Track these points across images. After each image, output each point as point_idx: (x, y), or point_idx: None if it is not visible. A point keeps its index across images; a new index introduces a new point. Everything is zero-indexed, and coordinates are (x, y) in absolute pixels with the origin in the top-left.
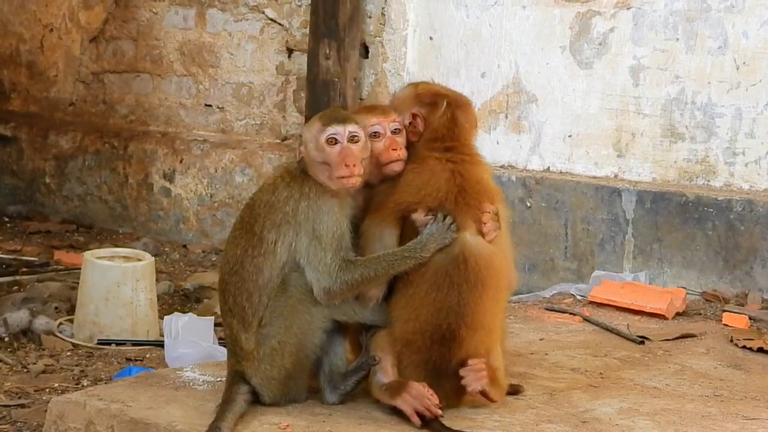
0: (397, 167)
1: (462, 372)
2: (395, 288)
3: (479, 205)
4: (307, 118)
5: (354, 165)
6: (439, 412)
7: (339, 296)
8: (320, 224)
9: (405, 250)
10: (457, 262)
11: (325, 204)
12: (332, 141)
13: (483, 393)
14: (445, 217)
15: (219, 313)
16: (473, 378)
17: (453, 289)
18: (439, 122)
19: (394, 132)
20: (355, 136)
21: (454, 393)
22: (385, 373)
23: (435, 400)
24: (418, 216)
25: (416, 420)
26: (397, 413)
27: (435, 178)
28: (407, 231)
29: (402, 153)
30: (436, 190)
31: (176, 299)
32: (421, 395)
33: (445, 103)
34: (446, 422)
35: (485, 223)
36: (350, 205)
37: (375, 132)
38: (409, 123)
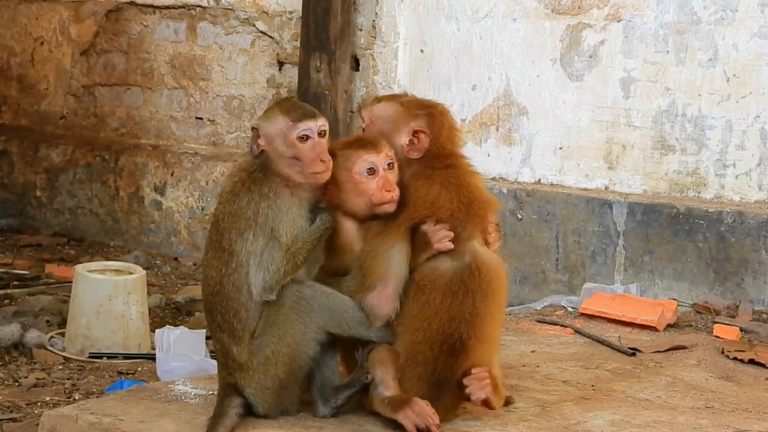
0: (389, 208)
1: (466, 381)
2: (405, 297)
3: (485, 215)
4: None
5: (328, 160)
6: None
7: (276, 290)
8: (279, 224)
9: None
10: (471, 269)
11: (284, 204)
12: (304, 138)
13: (485, 402)
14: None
15: None
16: (477, 386)
17: (468, 297)
18: (442, 133)
19: (388, 167)
20: (324, 130)
21: (452, 405)
22: (387, 386)
23: (436, 419)
24: (429, 226)
25: None
26: (391, 427)
27: (446, 192)
28: (417, 241)
29: (395, 194)
30: (449, 202)
31: (168, 312)
32: (424, 413)
33: (439, 112)
34: None
35: (490, 233)
36: (309, 202)
37: (369, 169)
38: (409, 141)
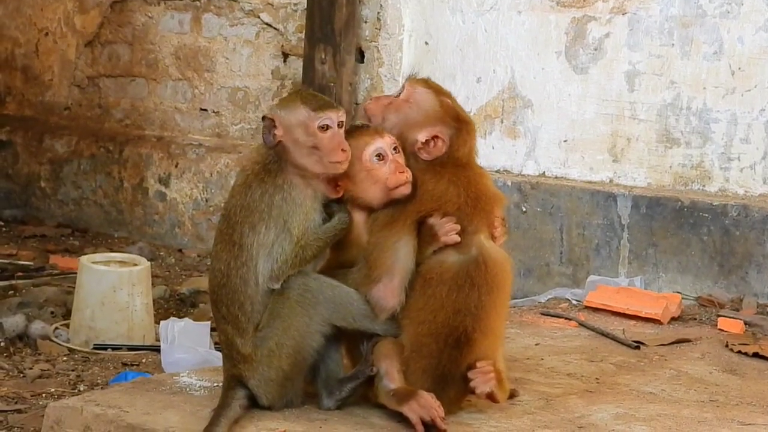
0: (405, 190)
1: (470, 374)
2: (411, 290)
3: (492, 210)
4: None
5: (348, 150)
6: (444, 426)
7: (281, 279)
8: (291, 216)
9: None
10: (477, 263)
11: (299, 195)
12: (325, 127)
13: (490, 395)
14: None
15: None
16: (482, 380)
17: (473, 290)
18: (460, 150)
19: (395, 151)
20: (342, 121)
21: (457, 399)
22: (392, 379)
23: (441, 412)
24: (436, 220)
25: (421, 428)
26: (396, 419)
27: (453, 186)
28: (424, 234)
29: (409, 174)
30: (456, 196)
31: (172, 304)
32: (429, 405)
33: (467, 130)
34: None
35: (496, 227)
36: (323, 195)
37: (378, 154)
38: (425, 141)
